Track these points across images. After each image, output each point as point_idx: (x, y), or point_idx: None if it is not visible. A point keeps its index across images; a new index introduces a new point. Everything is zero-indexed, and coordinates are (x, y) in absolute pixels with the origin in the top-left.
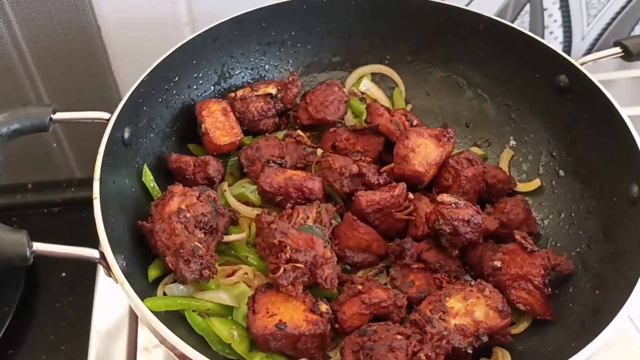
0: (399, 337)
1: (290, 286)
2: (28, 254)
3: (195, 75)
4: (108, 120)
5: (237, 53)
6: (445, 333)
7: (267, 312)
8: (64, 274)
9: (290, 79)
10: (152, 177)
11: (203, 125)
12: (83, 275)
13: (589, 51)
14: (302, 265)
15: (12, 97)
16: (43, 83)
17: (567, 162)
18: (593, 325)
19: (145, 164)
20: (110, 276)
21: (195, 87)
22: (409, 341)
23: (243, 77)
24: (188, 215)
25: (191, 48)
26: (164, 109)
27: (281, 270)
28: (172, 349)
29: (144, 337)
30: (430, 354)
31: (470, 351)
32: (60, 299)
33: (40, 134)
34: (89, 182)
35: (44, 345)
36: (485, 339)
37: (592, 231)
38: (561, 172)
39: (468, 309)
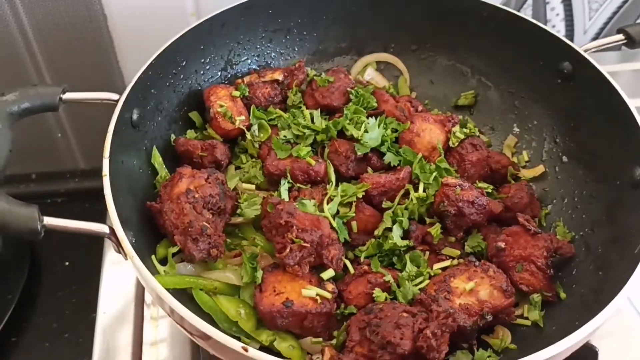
0: (405, 314)
1: (296, 266)
2: (39, 227)
3: (202, 60)
4: (117, 101)
5: (243, 39)
6: (451, 311)
7: (274, 291)
8: (67, 263)
9: (296, 65)
10: (161, 159)
11: (211, 110)
12: (86, 265)
13: None
14: (308, 245)
15: (18, 84)
16: (48, 71)
17: (570, 148)
18: (596, 305)
19: (154, 146)
20: (119, 252)
21: (202, 72)
22: (415, 319)
23: (249, 64)
24: (197, 195)
25: (198, 33)
26: (171, 93)
27: (287, 250)
28: (180, 321)
29: (150, 331)
30: (436, 331)
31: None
32: (64, 288)
33: (44, 124)
34: (93, 173)
35: (47, 333)
36: (489, 317)
37: (595, 215)
38: (564, 158)
39: (472, 289)
